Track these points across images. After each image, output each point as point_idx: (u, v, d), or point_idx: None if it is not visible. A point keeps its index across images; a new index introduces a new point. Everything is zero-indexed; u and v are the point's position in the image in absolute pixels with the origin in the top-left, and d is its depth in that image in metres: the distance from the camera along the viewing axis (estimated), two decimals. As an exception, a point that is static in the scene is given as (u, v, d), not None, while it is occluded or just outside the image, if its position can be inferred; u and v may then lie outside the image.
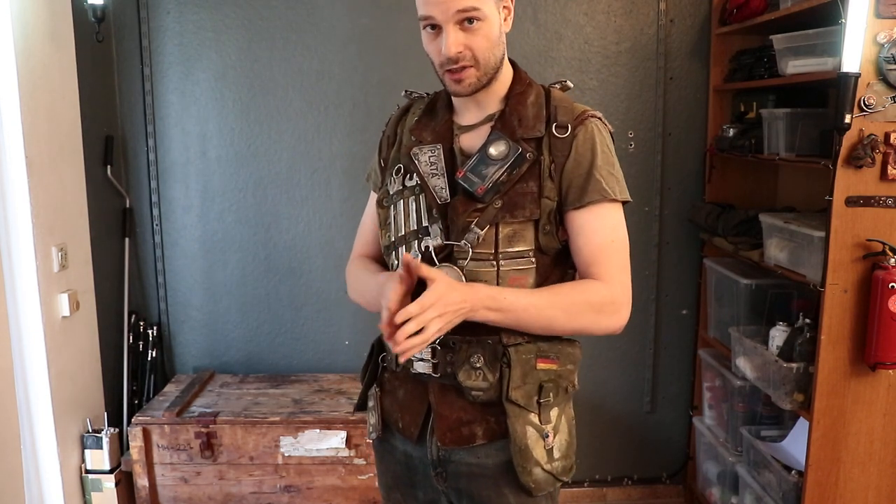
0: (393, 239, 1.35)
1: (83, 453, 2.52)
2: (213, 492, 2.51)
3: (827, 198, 1.94)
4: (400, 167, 1.36)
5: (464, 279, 1.26)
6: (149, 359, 2.83)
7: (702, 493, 2.84)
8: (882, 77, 1.86)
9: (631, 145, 2.80)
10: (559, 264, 1.33)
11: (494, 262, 1.27)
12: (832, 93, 2.17)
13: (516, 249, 1.27)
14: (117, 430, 2.60)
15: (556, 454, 1.32)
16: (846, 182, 1.91)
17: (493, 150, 1.26)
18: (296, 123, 2.77)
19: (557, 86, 1.38)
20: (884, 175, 1.90)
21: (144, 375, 2.83)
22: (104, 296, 2.69)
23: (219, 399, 2.62)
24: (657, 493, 3.05)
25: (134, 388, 2.83)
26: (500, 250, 1.27)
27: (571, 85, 1.40)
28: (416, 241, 1.31)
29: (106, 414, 2.65)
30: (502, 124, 1.30)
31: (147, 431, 2.46)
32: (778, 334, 2.19)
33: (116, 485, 2.52)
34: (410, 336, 1.12)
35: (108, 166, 2.70)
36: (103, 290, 2.69)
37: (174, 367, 2.92)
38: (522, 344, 1.29)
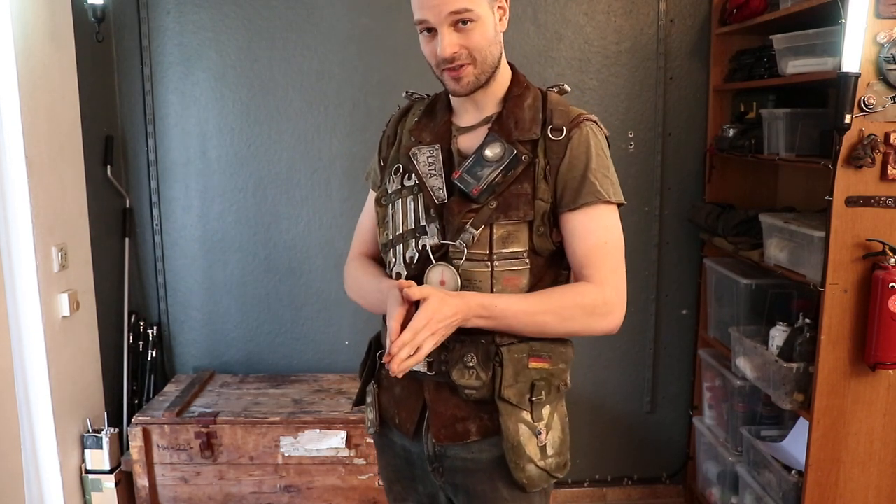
0: (391, 237, 1.37)
1: (83, 453, 2.52)
2: (213, 492, 2.51)
3: (827, 198, 1.94)
4: (399, 167, 1.39)
5: (459, 279, 1.29)
6: (149, 359, 2.83)
7: (702, 493, 2.84)
8: (882, 77, 1.86)
9: (631, 145, 2.80)
10: (553, 265, 1.35)
11: (489, 263, 1.29)
12: (832, 93, 2.17)
13: (511, 250, 1.29)
14: (117, 430, 2.60)
15: (550, 451, 1.34)
16: (846, 182, 1.91)
17: (489, 152, 1.29)
18: (296, 123, 2.77)
19: (555, 89, 1.40)
20: (884, 175, 1.90)
21: (144, 375, 2.83)
22: (104, 296, 2.70)
23: (219, 399, 2.62)
24: (657, 493, 3.05)
25: (134, 388, 2.83)
26: (495, 251, 1.29)
27: (569, 89, 1.42)
28: (414, 240, 1.33)
29: (106, 414, 2.66)
30: (499, 126, 1.32)
31: (147, 431, 2.47)
32: (778, 334, 2.19)
33: (116, 485, 2.52)
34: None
35: (108, 166, 2.70)
36: (103, 290, 2.69)
37: (174, 367, 2.92)
38: (515, 343, 1.31)
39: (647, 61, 2.77)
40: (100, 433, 2.52)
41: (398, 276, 1.34)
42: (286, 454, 2.48)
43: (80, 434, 2.52)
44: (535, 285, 1.32)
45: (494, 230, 1.29)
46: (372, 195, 1.49)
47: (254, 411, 2.51)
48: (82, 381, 2.55)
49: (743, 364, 2.37)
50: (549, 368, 1.34)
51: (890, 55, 1.84)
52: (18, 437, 2.29)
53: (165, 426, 2.46)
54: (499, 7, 1.30)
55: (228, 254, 2.85)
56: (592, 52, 2.76)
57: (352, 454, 2.48)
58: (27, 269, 2.27)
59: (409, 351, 1.16)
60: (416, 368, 1.33)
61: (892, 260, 1.89)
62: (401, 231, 1.35)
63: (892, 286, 1.86)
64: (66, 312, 2.41)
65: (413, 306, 1.20)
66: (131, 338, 2.82)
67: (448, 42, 1.24)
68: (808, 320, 2.10)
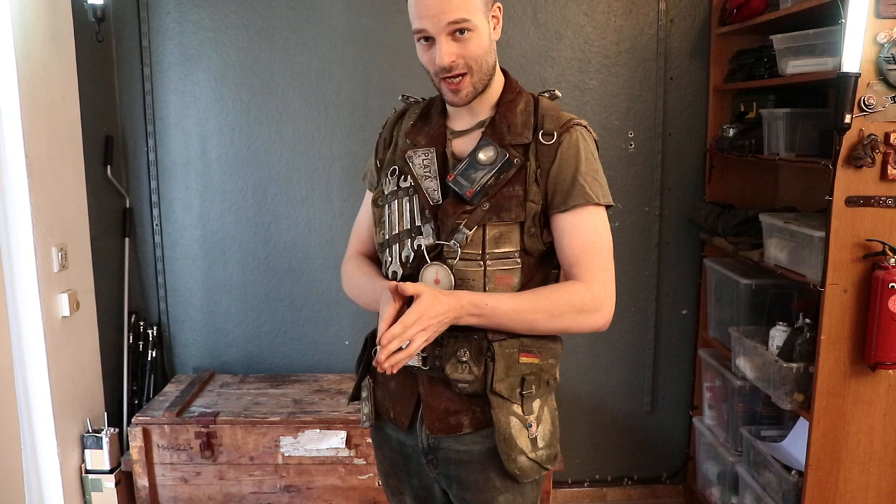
0: (387, 237, 1.42)
1: (83, 453, 2.53)
2: (213, 492, 2.51)
3: (827, 198, 1.94)
4: (395, 168, 1.43)
5: (453, 278, 1.33)
6: (149, 359, 2.84)
7: (702, 493, 2.84)
8: (882, 77, 1.86)
9: (631, 145, 2.80)
10: (543, 265, 1.40)
11: (482, 262, 1.33)
12: (832, 93, 2.17)
13: (503, 250, 1.34)
14: (117, 430, 2.60)
15: (541, 443, 1.38)
16: (846, 182, 1.91)
17: (482, 156, 1.33)
18: (296, 123, 2.77)
19: (546, 94, 1.45)
20: (884, 175, 1.90)
21: (144, 375, 2.84)
22: (104, 296, 2.70)
23: (219, 399, 2.62)
24: (657, 493, 3.05)
25: (134, 388, 2.84)
26: (488, 251, 1.33)
27: (560, 94, 1.47)
28: (409, 240, 1.38)
29: (106, 414, 2.66)
30: (492, 130, 1.36)
31: (147, 431, 2.47)
32: (778, 334, 2.19)
33: (116, 485, 2.52)
34: (396, 351, 1.20)
35: (108, 166, 2.70)
36: (103, 290, 2.69)
37: (174, 367, 2.92)
38: (506, 339, 1.35)
39: (647, 61, 2.77)
40: (100, 433, 2.52)
41: (394, 274, 1.39)
42: (286, 454, 2.48)
43: (80, 434, 2.52)
44: (526, 284, 1.36)
45: (487, 231, 1.33)
46: (368, 195, 1.53)
47: (254, 411, 2.51)
48: (82, 381, 2.56)
49: (743, 364, 2.37)
50: (538, 363, 1.38)
51: (890, 55, 1.83)
52: (18, 437, 2.29)
53: (165, 426, 2.46)
54: (493, 17, 1.34)
55: (228, 254, 2.85)
56: (592, 53, 2.76)
57: (352, 454, 2.48)
58: (27, 268, 2.27)
59: (398, 343, 1.19)
60: (410, 363, 1.37)
61: (892, 260, 1.89)
62: (397, 231, 1.40)
63: (892, 286, 1.86)
64: (66, 312, 2.41)
65: (405, 304, 1.23)
66: (131, 338, 2.82)
67: (446, 51, 1.28)
68: (808, 320, 2.10)
